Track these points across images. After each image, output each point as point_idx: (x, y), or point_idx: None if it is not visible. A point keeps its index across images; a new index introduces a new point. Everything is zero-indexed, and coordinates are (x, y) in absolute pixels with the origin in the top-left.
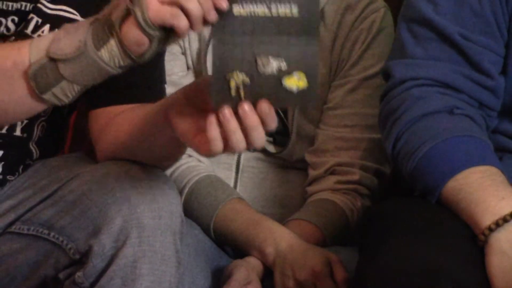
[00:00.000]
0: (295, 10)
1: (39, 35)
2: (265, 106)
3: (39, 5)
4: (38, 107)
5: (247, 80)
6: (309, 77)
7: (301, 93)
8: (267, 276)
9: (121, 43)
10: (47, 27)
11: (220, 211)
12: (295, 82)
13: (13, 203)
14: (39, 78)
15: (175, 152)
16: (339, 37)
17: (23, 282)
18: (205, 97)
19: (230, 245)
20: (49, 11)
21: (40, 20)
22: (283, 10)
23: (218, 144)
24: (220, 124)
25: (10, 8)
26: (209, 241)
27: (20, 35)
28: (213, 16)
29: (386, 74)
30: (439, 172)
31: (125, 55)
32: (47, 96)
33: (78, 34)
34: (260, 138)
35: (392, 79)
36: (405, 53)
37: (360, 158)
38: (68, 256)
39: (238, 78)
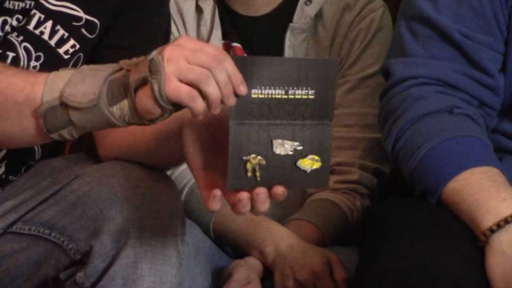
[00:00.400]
0: (311, 94)
1: (41, 31)
2: (279, 190)
3: (41, 0)
4: (43, 141)
5: (263, 162)
6: (323, 158)
7: (314, 172)
8: (267, 276)
9: (134, 106)
10: (49, 23)
11: (220, 211)
12: (309, 163)
13: (14, 203)
14: (48, 119)
15: (182, 159)
16: (337, 36)
17: (23, 282)
18: (222, 130)
19: (230, 245)
20: (52, 7)
21: (42, 16)
22: (300, 93)
23: (216, 211)
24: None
25: (16, 8)
26: (209, 241)
27: (22, 31)
28: (232, 101)
29: (385, 72)
30: (440, 173)
31: (136, 116)
32: (53, 135)
33: (93, 85)
34: (264, 212)
35: (392, 77)
36: (404, 52)
37: (359, 157)
38: (69, 256)
39: (254, 161)
